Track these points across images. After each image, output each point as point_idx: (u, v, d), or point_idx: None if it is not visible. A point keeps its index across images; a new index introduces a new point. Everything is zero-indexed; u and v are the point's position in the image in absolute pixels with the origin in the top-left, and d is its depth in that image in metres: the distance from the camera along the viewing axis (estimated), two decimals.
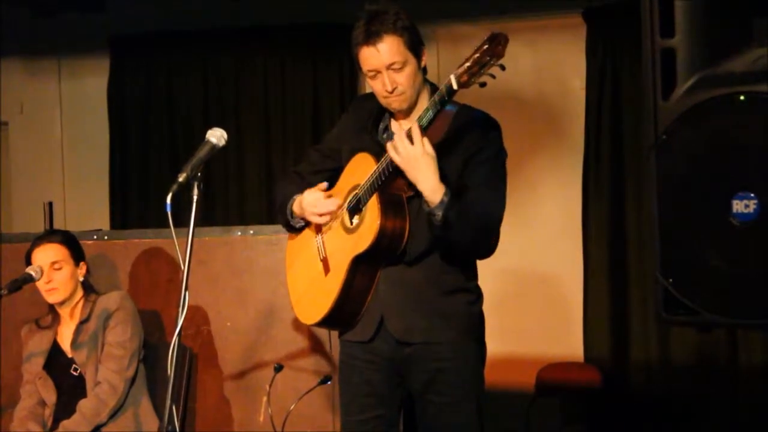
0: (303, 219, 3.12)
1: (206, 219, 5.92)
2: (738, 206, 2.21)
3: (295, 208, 3.11)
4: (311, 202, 3.04)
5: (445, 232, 2.78)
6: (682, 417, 5.31)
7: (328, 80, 6.05)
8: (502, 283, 5.59)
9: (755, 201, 2.19)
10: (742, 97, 2.21)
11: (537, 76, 5.74)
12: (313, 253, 3.11)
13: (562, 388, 5.37)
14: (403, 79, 2.86)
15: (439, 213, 2.75)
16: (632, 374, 5.47)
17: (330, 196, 3.03)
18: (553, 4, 5.59)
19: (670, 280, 2.30)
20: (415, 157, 2.74)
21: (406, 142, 2.74)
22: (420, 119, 2.75)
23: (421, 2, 5.61)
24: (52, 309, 3.80)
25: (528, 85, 5.74)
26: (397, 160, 2.76)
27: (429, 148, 2.74)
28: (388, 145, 2.79)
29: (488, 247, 2.91)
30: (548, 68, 5.75)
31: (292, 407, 3.70)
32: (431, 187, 2.75)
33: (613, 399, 5.43)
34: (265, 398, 3.83)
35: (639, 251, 5.40)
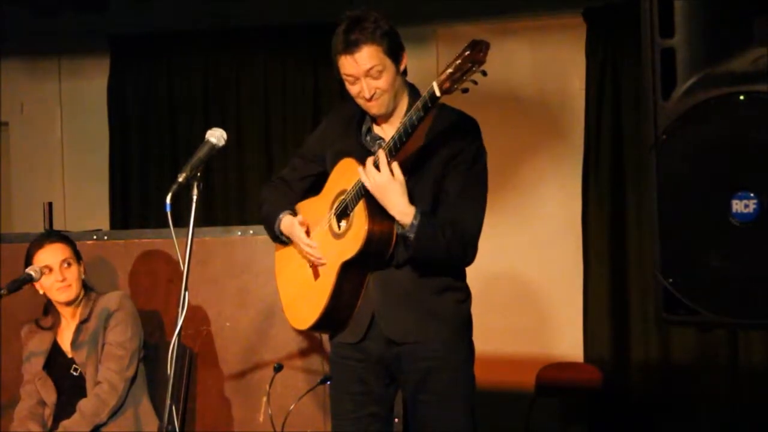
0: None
1: (206, 219, 5.92)
2: (738, 206, 2.21)
3: (284, 228, 3.11)
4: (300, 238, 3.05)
5: (418, 252, 2.83)
6: (682, 417, 5.31)
7: (328, 80, 6.04)
8: (502, 283, 5.59)
9: (755, 201, 2.19)
10: (741, 97, 2.21)
11: (537, 76, 5.74)
12: (302, 259, 3.11)
13: (562, 389, 5.37)
14: (382, 85, 2.87)
15: (411, 235, 2.80)
16: (632, 374, 5.47)
17: (307, 229, 3.04)
18: (553, 4, 5.59)
19: (670, 279, 2.30)
20: (383, 185, 2.78)
21: (373, 170, 2.78)
22: (403, 125, 2.75)
23: (421, 2, 5.65)
24: (51, 309, 3.79)
25: (528, 85, 5.74)
26: (368, 186, 2.80)
27: (397, 173, 2.78)
28: (359, 170, 2.83)
29: (464, 260, 2.94)
30: (548, 68, 5.74)
31: (291, 407, 3.70)
32: (401, 211, 2.80)
33: (613, 399, 5.43)
34: (264, 398, 3.83)
35: (639, 251, 5.40)
